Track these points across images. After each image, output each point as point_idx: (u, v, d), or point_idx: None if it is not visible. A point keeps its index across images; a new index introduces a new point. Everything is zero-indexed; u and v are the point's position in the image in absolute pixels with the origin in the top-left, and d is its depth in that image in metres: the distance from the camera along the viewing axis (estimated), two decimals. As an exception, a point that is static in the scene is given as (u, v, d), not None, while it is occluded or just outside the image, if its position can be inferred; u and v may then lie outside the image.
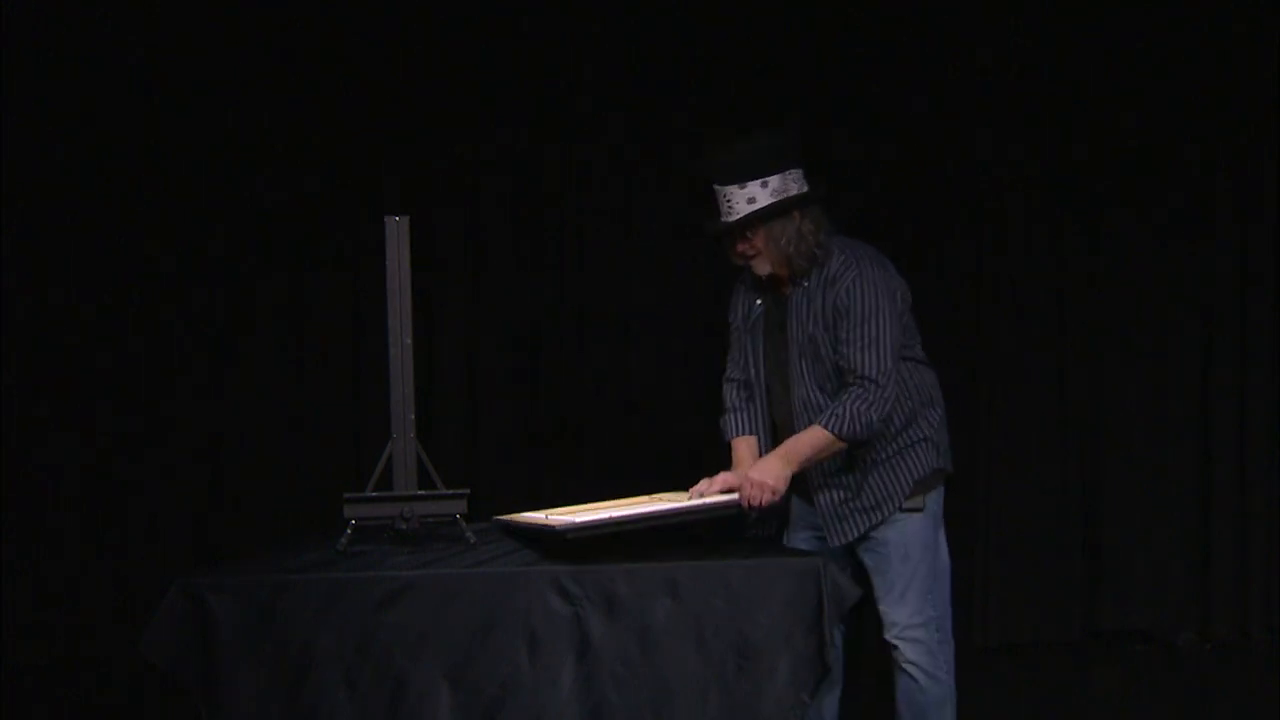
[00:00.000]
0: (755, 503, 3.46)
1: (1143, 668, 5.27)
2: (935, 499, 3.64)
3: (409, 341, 3.61)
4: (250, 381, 5.42)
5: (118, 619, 5.18)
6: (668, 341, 5.47)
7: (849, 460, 3.56)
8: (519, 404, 5.50)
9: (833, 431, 3.44)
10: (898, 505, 3.56)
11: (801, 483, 3.59)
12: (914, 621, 3.57)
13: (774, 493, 3.46)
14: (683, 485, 3.64)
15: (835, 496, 3.58)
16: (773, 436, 3.67)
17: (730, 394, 3.77)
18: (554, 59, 5.47)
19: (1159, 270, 5.65)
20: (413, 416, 3.61)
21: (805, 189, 3.54)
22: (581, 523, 3.36)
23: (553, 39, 5.46)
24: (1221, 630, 5.58)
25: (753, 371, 3.69)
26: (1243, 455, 5.63)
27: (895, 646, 3.59)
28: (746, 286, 3.72)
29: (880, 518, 3.57)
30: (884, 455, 3.56)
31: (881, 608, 3.61)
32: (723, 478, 3.58)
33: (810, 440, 3.48)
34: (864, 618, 3.79)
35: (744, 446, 3.72)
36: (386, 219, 3.62)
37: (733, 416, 3.75)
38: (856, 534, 3.58)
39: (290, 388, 5.46)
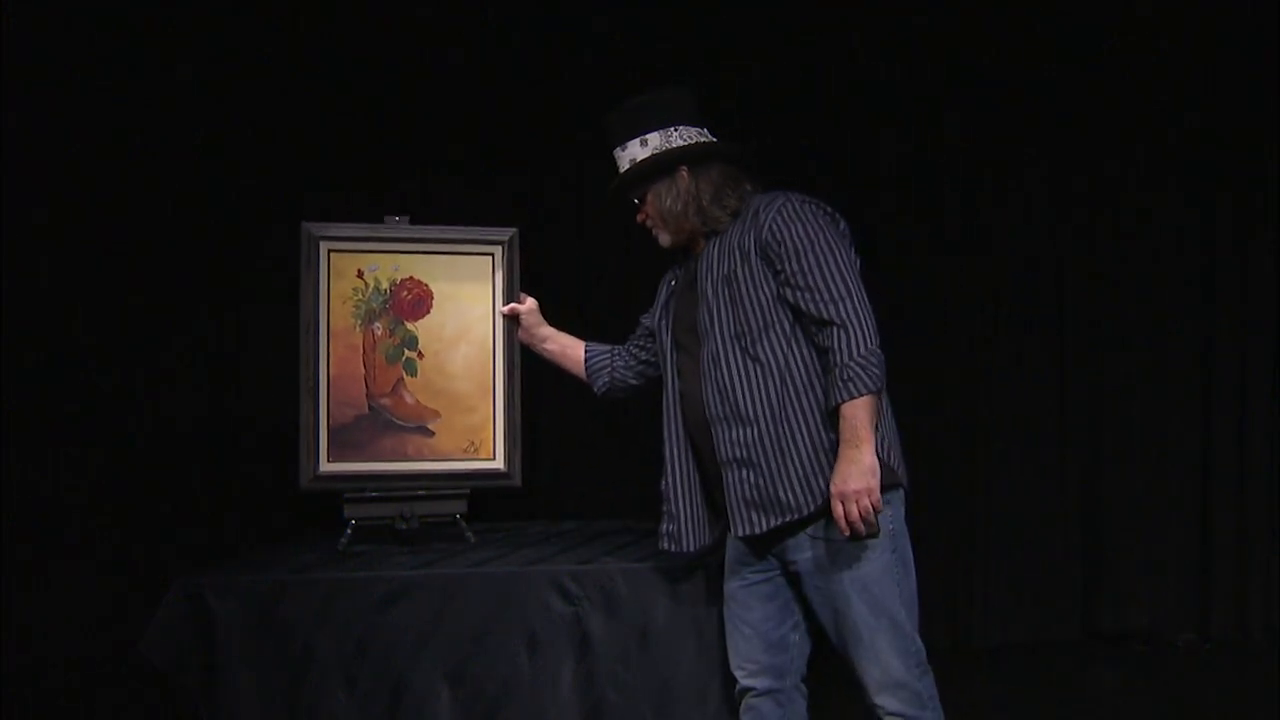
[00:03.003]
0: (860, 518, 2.79)
1: (1143, 668, 5.27)
2: (890, 517, 2.90)
3: (409, 341, 3.61)
4: (250, 380, 5.41)
5: (118, 619, 5.18)
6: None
7: (762, 441, 2.92)
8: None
9: (844, 400, 2.80)
10: (813, 511, 2.88)
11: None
12: (893, 679, 2.90)
13: (870, 493, 2.79)
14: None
15: (746, 477, 2.94)
16: (682, 413, 3.08)
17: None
18: (555, 59, 5.47)
19: (1159, 271, 5.66)
20: (413, 416, 3.61)
21: (693, 144, 3.10)
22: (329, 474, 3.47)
23: (554, 38, 5.46)
24: (1221, 630, 5.58)
25: (664, 352, 3.15)
26: (1243, 455, 5.63)
27: (880, 705, 2.92)
28: (669, 275, 3.26)
29: (793, 518, 2.89)
30: (808, 451, 2.88)
31: (850, 662, 2.94)
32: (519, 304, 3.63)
33: (849, 416, 2.81)
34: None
35: (567, 339, 3.65)
36: (386, 219, 3.63)
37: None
38: (764, 528, 2.93)
39: (290, 387, 5.45)
